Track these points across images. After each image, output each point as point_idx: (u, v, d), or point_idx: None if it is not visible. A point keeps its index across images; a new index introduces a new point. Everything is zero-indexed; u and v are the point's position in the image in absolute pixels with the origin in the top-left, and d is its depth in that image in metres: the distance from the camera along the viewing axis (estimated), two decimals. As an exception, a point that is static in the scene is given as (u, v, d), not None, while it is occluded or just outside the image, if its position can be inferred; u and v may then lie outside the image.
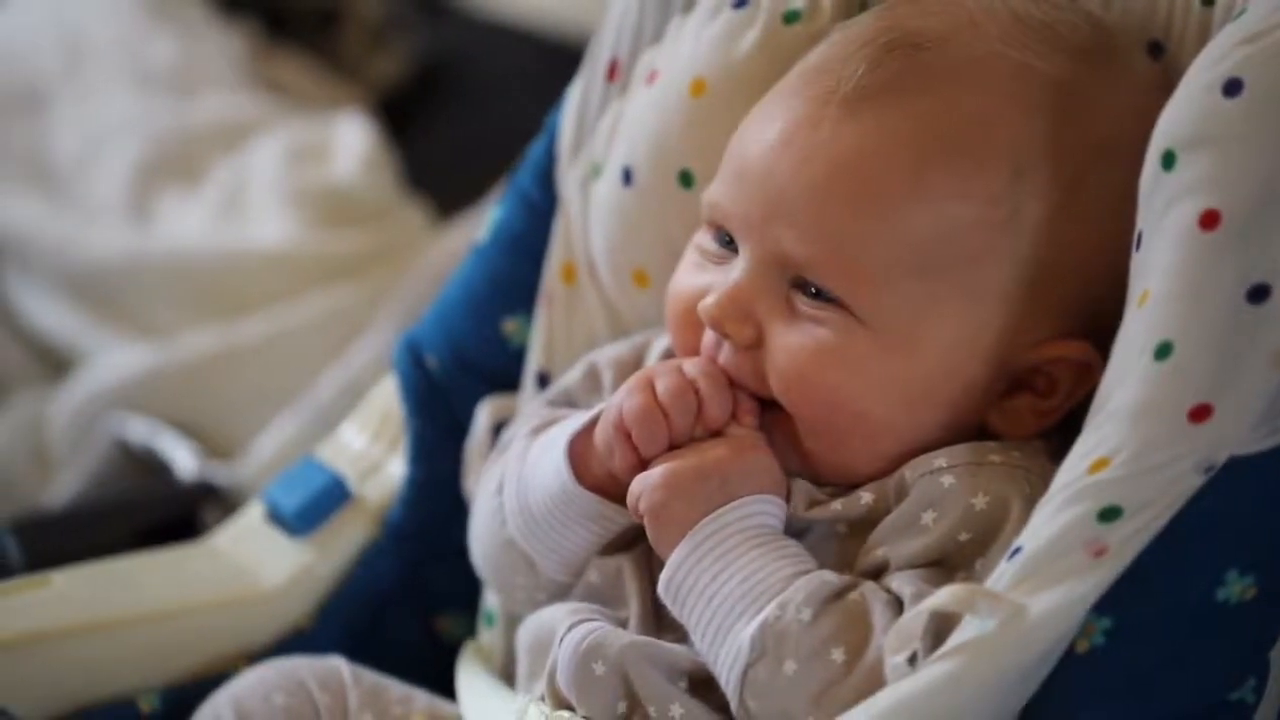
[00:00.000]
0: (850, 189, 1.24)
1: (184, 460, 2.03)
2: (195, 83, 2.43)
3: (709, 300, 1.28)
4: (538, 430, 1.37)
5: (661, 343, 1.39)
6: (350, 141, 2.34)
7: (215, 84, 2.45)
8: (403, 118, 2.64)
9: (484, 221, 1.60)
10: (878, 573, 1.23)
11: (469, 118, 2.68)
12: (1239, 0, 1.26)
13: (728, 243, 1.30)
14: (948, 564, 1.21)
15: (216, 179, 2.30)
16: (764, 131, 1.29)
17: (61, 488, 2.09)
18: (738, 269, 1.28)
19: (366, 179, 2.28)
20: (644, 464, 1.28)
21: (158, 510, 1.91)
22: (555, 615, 1.30)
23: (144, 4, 2.52)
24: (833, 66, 1.29)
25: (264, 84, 2.54)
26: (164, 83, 2.42)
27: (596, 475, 1.31)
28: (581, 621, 1.28)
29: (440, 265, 2.10)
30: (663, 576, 1.24)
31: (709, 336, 1.30)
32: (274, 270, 2.16)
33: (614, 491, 1.31)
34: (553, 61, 2.58)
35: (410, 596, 1.55)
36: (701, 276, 1.31)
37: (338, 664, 1.42)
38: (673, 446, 1.28)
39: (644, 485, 1.26)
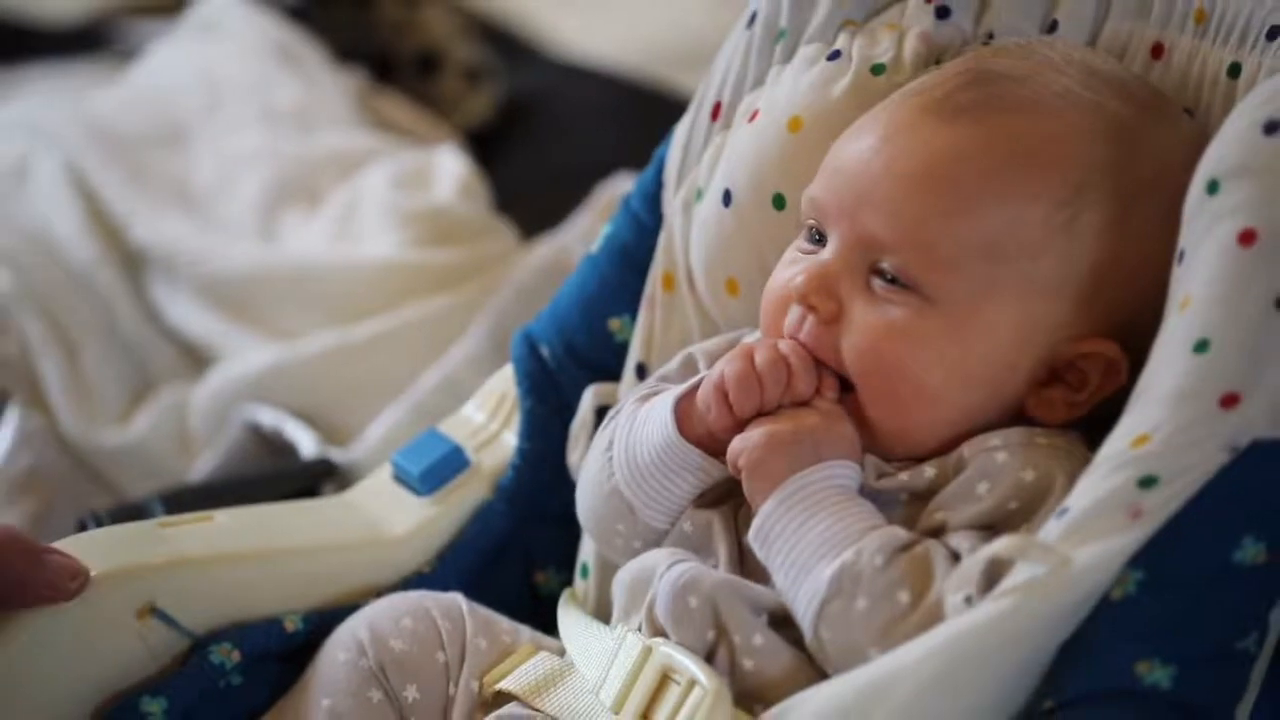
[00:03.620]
0: (936, 182, 1.30)
1: (306, 443, 2.06)
2: (315, 120, 2.48)
3: (799, 278, 1.34)
4: (645, 397, 1.43)
5: (750, 339, 1.43)
6: (448, 170, 2.36)
7: (332, 121, 2.50)
8: (491, 150, 2.68)
9: (593, 235, 1.66)
10: (936, 533, 1.28)
11: (548, 149, 2.72)
12: (1262, 69, 1.34)
13: (818, 241, 1.36)
14: (998, 528, 1.27)
15: (333, 202, 2.33)
16: (863, 136, 1.35)
17: (202, 465, 2.13)
18: (826, 253, 1.34)
19: (462, 203, 2.30)
20: (738, 423, 1.33)
21: (284, 484, 1.93)
22: (655, 557, 1.36)
23: (272, 53, 2.58)
24: (929, 87, 1.36)
25: (373, 121, 2.59)
26: (288, 120, 2.47)
27: (697, 432, 1.37)
28: (679, 561, 1.34)
29: (525, 279, 2.15)
30: (755, 522, 1.30)
31: (794, 312, 1.35)
32: (383, 281, 2.18)
33: (712, 448, 1.37)
34: (622, 100, 2.69)
35: (515, 551, 1.60)
36: (793, 269, 1.36)
37: (457, 598, 1.48)
38: (762, 411, 1.33)
39: (746, 443, 1.32)
